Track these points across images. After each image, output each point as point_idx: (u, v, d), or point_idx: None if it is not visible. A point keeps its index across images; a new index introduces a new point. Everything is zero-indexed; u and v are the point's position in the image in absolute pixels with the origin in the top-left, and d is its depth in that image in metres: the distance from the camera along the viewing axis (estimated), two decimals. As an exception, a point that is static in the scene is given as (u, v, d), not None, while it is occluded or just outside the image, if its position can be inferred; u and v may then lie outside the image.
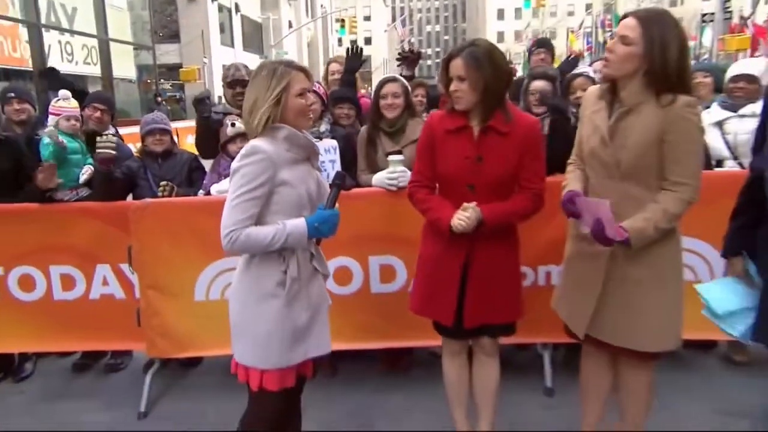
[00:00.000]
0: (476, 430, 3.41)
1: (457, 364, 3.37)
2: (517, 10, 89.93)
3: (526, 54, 6.76)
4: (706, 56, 33.28)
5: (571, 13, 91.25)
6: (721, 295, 2.78)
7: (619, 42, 2.71)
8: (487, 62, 2.90)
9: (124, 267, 4.29)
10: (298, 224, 2.61)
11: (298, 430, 3.09)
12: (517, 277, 3.27)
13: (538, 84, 4.65)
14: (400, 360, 4.62)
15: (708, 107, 4.64)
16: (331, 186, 2.81)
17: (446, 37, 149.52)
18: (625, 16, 2.78)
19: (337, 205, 2.74)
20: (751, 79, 4.49)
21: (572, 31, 59.11)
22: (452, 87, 2.98)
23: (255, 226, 2.60)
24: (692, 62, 5.20)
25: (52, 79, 5.24)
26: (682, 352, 4.56)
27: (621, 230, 2.66)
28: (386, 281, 4.20)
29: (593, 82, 4.09)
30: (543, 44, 6.08)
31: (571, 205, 2.87)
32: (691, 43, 38.87)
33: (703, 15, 40.63)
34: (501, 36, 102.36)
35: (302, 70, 2.72)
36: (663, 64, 2.63)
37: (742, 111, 4.45)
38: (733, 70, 4.74)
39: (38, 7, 18.31)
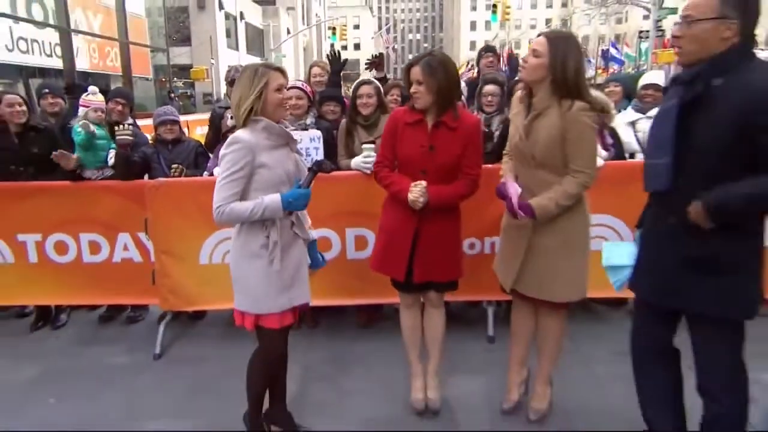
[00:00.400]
0: (427, 368, 3.50)
1: (411, 315, 3.47)
2: (487, 23, 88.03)
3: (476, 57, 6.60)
4: (645, 67, 33.36)
5: (533, 26, 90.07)
6: (614, 253, 2.91)
7: (531, 55, 2.88)
8: (441, 70, 3.00)
9: (141, 235, 4.37)
10: (274, 199, 2.69)
11: (285, 367, 3.19)
12: (458, 244, 3.36)
13: (489, 87, 4.83)
14: (371, 314, 4.71)
15: (621, 111, 4.79)
16: (309, 169, 2.89)
17: (426, 45, 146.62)
18: (539, 35, 2.96)
19: (311, 185, 2.82)
20: (658, 87, 4.66)
21: (533, 42, 58.59)
22: (412, 89, 3.07)
23: (239, 201, 2.68)
24: (632, 72, 5.36)
25: (76, 90, 5.31)
26: (597, 307, 4.79)
27: (526, 206, 2.86)
28: (360, 249, 4.29)
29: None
30: (489, 49, 6.09)
31: (501, 189, 3.04)
32: (633, 55, 38.98)
33: (640, 32, 40.55)
34: (473, 44, 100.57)
35: (279, 69, 2.78)
36: (563, 74, 2.80)
37: (650, 113, 4.54)
38: (644, 80, 4.90)
39: (68, 14, 18.15)
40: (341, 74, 5.43)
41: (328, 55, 5.46)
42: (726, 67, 2.24)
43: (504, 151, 3.29)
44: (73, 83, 5.70)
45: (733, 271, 2.35)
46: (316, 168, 2.86)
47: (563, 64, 2.79)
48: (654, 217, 2.62)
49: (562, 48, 2.81)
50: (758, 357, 2.72)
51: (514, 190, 2.93)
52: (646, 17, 45.91)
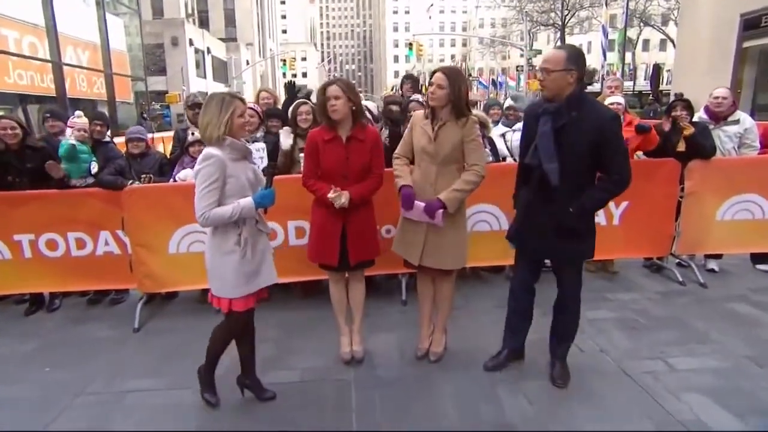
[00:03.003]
0: (352, 329, 3.52)
1: (338, 288, 3.48)
2: (407, 57, 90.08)
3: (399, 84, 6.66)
4: (522, 93, 34.52)
5: (442, 60, 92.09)
6: None
7: (437, 88, 3.02)
8: (352, 89, 3.12)
9: (120, 232, 4.26)
10: (247, 201, 2.65)
11: (253, 339, 3.09)
12: (375, 229, 3.41)
13: (393, 107, 4.87)
14: (310, 288, 4.65)
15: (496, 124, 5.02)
16: (264, 173, 2.86)
17: (359, 74, 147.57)
18: (436, 71, 3.08)
19: (272, 184, 2.77)
20: (516, 109, 4.98)
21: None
22: (330, 103, 3.04)
23: (218, 206, 2.60)
24: (505, 100, 5.65)
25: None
26: (483, 273, 4.92)
27: (436, 202, 3.03)
28: (299, 237, 4.26)
29: (422, 105, 4.34)
30: (409, 77, 6.14)
31: (406, 201, 3.13)
32: (513, 84, 40.57)
33: (518, 66, 42.37)
34: (396, 73, 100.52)
35: (241, 99, 2.72)
36: (458, 99, 3.01)
37: (514, 127, 4.77)
38: (506, 104, 5.21)
39: (60, 49, 17.26)
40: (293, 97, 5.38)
41: (285, 84, 5.51)
42: (577, 104, 2.67)
43: (395, 154, 3.32)
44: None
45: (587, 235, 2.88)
46: (271, 169, 2.83)
47: (458, 90, 3.00)
48: (536, 201, 2.92)
49: (456, 80, 3.02)
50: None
51: (420, 211, 3.08)
52: (522, 55, 47.91)
